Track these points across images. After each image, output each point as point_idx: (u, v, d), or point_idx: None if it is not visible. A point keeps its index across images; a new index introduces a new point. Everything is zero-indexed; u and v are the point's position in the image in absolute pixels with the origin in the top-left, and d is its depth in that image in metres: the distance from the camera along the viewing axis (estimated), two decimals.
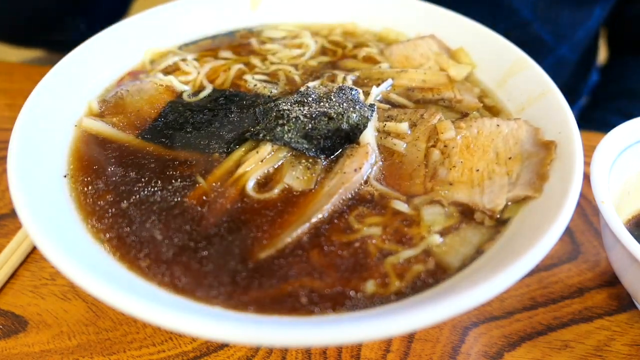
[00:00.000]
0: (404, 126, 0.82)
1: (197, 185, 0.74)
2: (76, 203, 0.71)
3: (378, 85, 0.92)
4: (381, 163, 0.78)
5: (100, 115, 0.86)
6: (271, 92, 0.92)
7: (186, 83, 0.94)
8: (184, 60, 1.00)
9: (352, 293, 0.62)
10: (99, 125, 0.82)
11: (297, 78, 0.97)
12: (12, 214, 0.97)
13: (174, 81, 0.93)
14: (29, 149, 0.71)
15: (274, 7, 1.13)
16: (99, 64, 0.93)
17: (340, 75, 0.96)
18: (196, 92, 0.92)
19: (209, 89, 0.92)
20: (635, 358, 0.80)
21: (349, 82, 0.94)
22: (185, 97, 0.91)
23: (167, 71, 0.97)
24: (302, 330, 0.53)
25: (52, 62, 0.86)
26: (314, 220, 0.69)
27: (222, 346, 0.79)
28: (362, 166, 0.74)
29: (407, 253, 0.67)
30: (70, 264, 0.56)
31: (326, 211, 0.70)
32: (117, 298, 0.54)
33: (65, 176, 0.75)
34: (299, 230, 0.68)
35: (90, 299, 0.84)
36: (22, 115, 0.75)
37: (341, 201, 0.72)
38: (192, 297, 0.61)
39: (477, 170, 0.77)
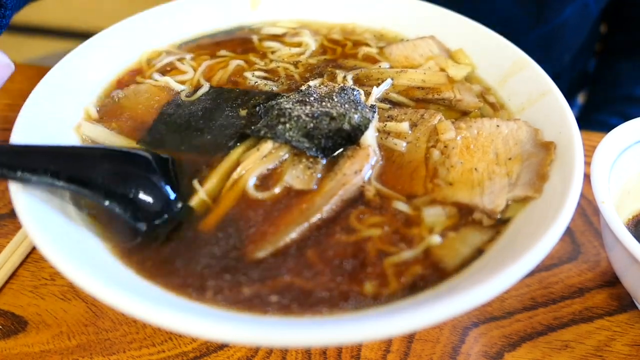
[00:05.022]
0: (404, 126, 0.82)
1: (197, 184, 0.73)
2: (76, 203, 0.71)
3: (378, 84, 0.92)
4: (381, 163, 0.78)
5: (98, 119, 0.85)
6: (271, 90, 0.92)
7: (183, 82, 0.93)
8: (180, 59, 0.99)
9: (351, 293, 0.62)
10: (98, 130, 0.82)
11: (296, 76, 0.97)
12: (12, 214, 0.97)
13: (170, 81, 0.92)
14: None
15: (274, 6, 1.13)
16: (98, 64, 0.92)
17: (340, 74, 0.96)
18: (194, 91, 0.91)
19: (206, 87, 0.91)
20: (635, 358, 0.80)
21: (349, 81, 0.94)
22: (182, 96, 0.90)
23: (163, 71, 0.96)
24: (302, 330, 0.53)
25: (52, 62, 0.86)
26: (313, 220, 0.69)
27: (222, 346, 0.79)
28: (363, 168, 0.74)
29: (407, 253, 0.67)
30: (70, 264, 0.56)
31: (325, 212, 0.70)
32: (116, 298, 0.54)
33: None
34: (298, 230, 0.68)
35: (90, 299, 0.84)
36: (22, 115, 0.75)
37: (341, 202, 0.72)
38: (191, 297, 0.61)
39: (477, 170, 0.76)
